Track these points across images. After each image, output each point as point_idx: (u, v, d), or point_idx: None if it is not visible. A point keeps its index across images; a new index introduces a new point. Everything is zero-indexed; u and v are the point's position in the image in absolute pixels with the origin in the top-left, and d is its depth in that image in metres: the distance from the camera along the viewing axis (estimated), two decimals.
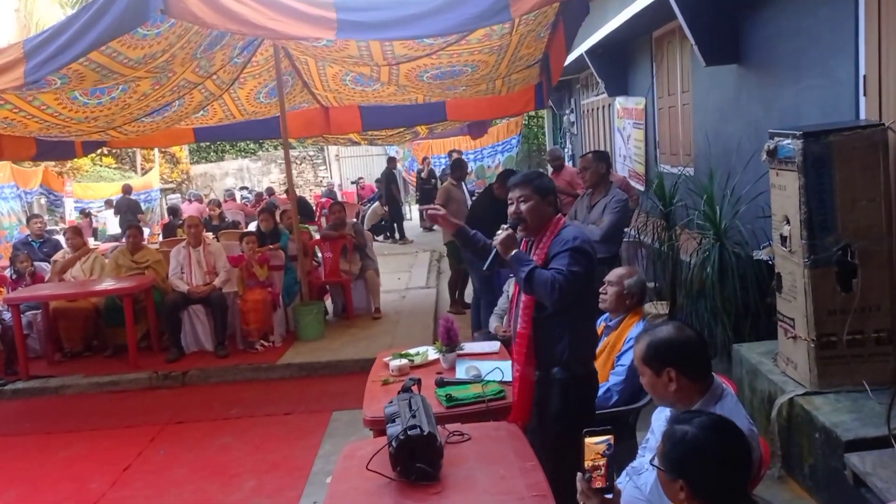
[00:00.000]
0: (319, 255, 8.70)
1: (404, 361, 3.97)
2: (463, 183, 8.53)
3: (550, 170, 9.31)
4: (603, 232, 5.33)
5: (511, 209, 3.11)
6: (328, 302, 8.58)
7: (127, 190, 15.22)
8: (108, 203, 15.29)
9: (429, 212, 3.35)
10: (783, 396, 3.83)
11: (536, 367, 3.05)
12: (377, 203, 15.94)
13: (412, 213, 17.91)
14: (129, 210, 14.48)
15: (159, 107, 7.18)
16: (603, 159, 5.71)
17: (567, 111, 15.01)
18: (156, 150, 18.94)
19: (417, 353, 4.12)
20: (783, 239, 3.88)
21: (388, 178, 15.60)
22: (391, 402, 2.85)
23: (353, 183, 20.40)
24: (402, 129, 10.58)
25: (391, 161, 16.48)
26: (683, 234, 5.84)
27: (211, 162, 24.42)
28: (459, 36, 5.30)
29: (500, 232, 3.01)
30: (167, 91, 6.64)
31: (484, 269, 3.09)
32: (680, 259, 5.73)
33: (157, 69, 5.72)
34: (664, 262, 5.88)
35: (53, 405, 6.45)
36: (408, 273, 11.05)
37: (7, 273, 7.98)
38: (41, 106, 5.95)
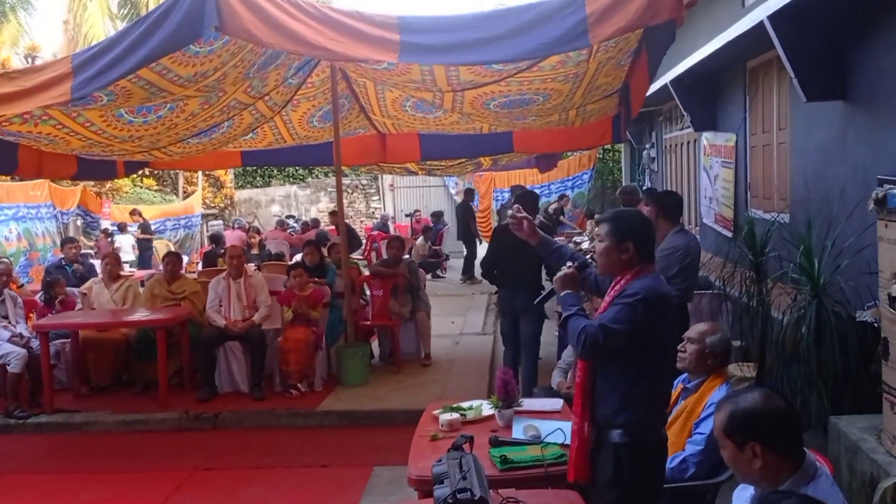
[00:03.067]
0: (368, 292, 8.79)
1: (456, 416, 3.97)
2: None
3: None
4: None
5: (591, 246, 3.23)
6: (374, 344, 8.63)
7: (137, 213, 15.71)
8: (121, 227, 15.70)
9: (510, 211, 3.48)
10: (888, 480, 3.69)
11: (592, 423, 3.07)
12: (421, 238, 16.03)
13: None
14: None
15: (207, 127, 7.44)
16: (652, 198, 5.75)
17: (647, 145, 14.92)
18: (199, 172, 19.52)
19: (470, 408, 4.12)
20: (892, 299, 3.77)
21: (466, 212, 15.73)
22: (440, 460, 2.85)
23: (407, 216, 20.64)
24: (463, 160, 10.71)
25: (468, 193, 16.64)
26: (776, 289, 5.72)
27: (257, 187, 25.00)
28: (531, 62, 5.36)
29: (564, 268, 3.17)
30: (216, 111, 6.89)
31: (535, 302, 3.26)
32: (771, 316, 5.61)
33: (208, 88, 5.94)
34: (752, 318, 5.77)
35: (77, 442, 6.62)
36: (462, 317, 11.07)
37: (38, 298, 8.27)
38: (85, 123, 6.23)
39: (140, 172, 17.07)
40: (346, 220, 22.07)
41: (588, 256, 3.39)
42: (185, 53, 4.98)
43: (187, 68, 5.23)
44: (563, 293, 3.12)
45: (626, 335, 2.94)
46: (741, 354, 6.07)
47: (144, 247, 14.94)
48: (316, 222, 18.01)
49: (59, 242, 12.85)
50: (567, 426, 3.53)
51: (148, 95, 5.53)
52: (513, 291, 6.53)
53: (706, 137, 10.05)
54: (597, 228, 3.19)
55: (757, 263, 5.93)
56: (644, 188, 14.93)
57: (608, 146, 19.18)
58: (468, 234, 15.66)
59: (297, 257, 9.53)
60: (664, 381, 3.16)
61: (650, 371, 3.04)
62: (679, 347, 3.75)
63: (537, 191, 16.89)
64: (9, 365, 6.89)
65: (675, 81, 9.40)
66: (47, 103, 4.82)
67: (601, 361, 3.04)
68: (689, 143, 11.70)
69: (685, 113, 10.01)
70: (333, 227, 15.13)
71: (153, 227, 16.95)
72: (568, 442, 3.40)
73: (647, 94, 7.60)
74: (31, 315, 8.10)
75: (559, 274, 3.17)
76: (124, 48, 4.59)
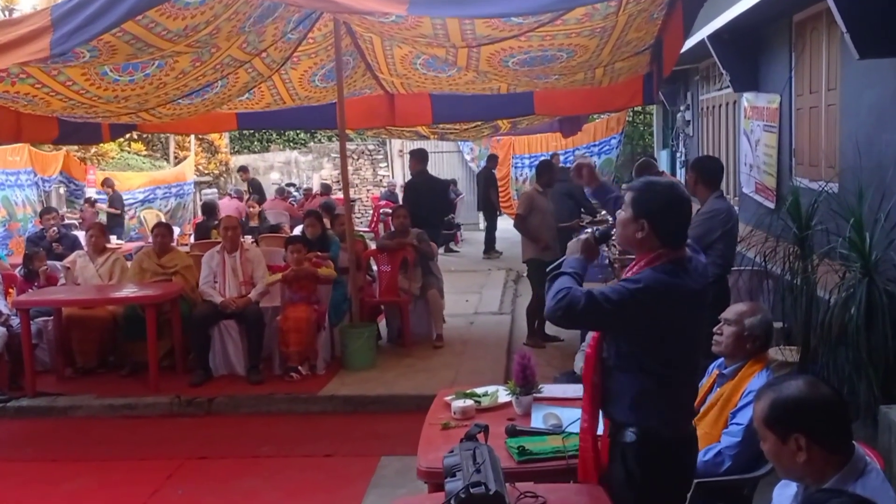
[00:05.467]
0: (375, 268, 8.79)
1: (469, 403, 3.97)
2: (549, 189, 8.53)
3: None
4: None
5: None
6: (382, 324, 8.66)
7: (110, 184, 15.56)
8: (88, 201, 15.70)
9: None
10: None
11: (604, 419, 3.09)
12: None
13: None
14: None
15: (199, 87, 7.40)
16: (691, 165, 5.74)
17: (681, 107, 14.83)
18: (192, 136, 19.51)
19: (486, 394, 4.12)
20: None
21: (488, 181, 15.65)
22: (452, 451, 2.84)
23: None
24: (479, 123, 10.64)
25: (491, 160, 16.55)
26: (822, 266, 5.68)
27: (254, 153, 25.01)
28: (554, 15, 5.29)
29: (585, 233, 3.18)
30: (209, 69, 6.85)
31: (547, 269, 3.15)
32: (816, 296, 5.57)
33: (199, 43, 5.90)
34: (796, 298, 5.73)
35: (60, 428, 6.68)
36: (478, 294, 11.08)
37: (18, 272, 8.31)
38: (66, 81, 6.20)
39: (127, 136, 17.05)
40: (352, 189, 22.09)
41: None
42: (175, 5, 4.93)
43: (177, 21, 5.19)
44: (571, 256, 3.08)
45: (607, 314, 2.88)
46: (783, 337, 6.04)
47: (114, 223, 14.59)
48: (327, 188, 17.93)
49: (39, 212, 12.89)
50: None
51: (134, 52, 5.49)
52: None
53: (747, 99, 9.96)
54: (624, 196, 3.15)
55: (802, 238, 5.87)
56: (681, 160, 14.88)
57: (638, 108, 19.05)
58: (489, 206, 15.60)
59: (298, 229, 9.54)
60: (682, 375, 3.06)
61: (658, 366, 2.98)
62: (714, 329, 3.73)
63: (560, 157, 16.80)
64: None
65: (713, 37, 9.30)
66: (24, 60, 4.79)
67: (611, 357, 3.01)
68: (727, 104, 11.63)
69: (724, 72, 9.93)
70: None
71: (141, 196, 16.97)
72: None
73: (682, 51, 7.51)
74: (10, 291, 8.14)
75: (576, 237, 3.16)
76: None
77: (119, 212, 15.03)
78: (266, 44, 6.95)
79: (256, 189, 16.66)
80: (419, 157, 10.41)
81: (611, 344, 3.02)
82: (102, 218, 14.37)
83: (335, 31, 7.29)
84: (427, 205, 9.52)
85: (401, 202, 11.85)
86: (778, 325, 5.85)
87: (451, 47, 6.44)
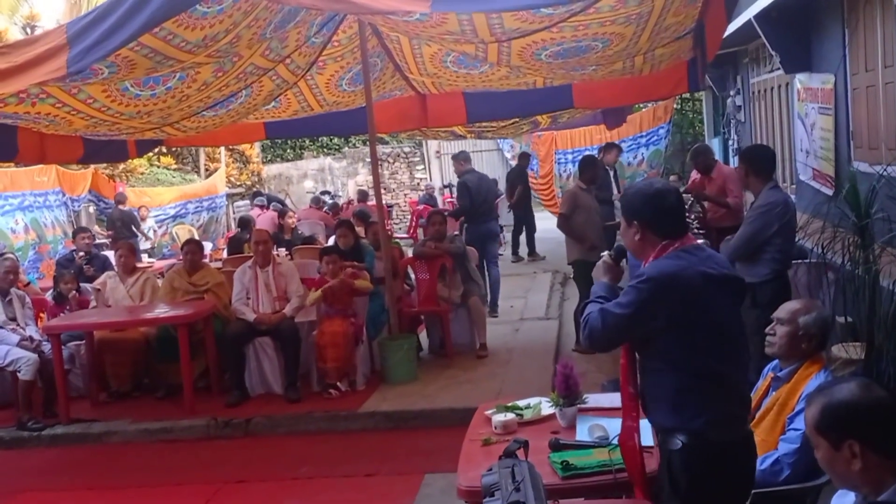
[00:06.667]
0: (413, 277, 8.81)
1: (511, 416, 3.97)
2: (594, 186, 8.50)
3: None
4: (731, 250, 5.36)
5: None
6: (422, 335, 8.68)
7: (120, 199, 15.64)
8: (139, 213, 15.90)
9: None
10: None
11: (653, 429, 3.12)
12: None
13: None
14: (122, 225, 14.88)
15: (223, 98, 7.50)
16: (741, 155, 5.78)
17: (731, 92, 14.66)
18: (222, 148, 19.77)
19: (528, 407, 4.11)
20: None
21: (520, 179, 15.54)
22: (490, 469, 2.84)
23: (444, 187, 20.62)
24: (517, 120, 10.64)
25: (524, 157, 16.48)
26: (885, 255, 5.57)
27: (287, 160, 25.23)
28: (585, 3, 5.27)
29: (605, 256, 3.31)
30: (232, 79, 6.94)
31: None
32: (879, 287, 5.46)
33: (220, 53, 5.99)
34: (857, 290, 5.62)
35: (96, 455, 6.81)
36: (523, 299, 11.05)
37: (49, 296, 8.48)
38: (87, 99, 6.32)
39: (156, 151, 17.33)
40: (388, 195, 22.15)
41: None
42: (192, 15, 5.00)
43: (195, 32, 5.27)
44: (596, 283, 3.26)
45: (626, 320, 2.95)
46: (849, 332, 5.92)
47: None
48: (364, 196, 17.96)
49: (70, 233, 13.11)
50: (644, 425, 3.49)
51: (153, 65, 5.58)
52: None
53: (800, 80, 9.82)
54: None
55: (862, 226, 5.76)
56: (734, 147, 14.70)
57: (686, 95, 18.84)
58: (524, 205, 15.46)
59: (332, 240, 9.58)
60: (723, 369, 3.03)
61: (694, 361, 2.96)
62: (767, 330, 3.69)
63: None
64: (19, 372, 7.09)
65: (760, 16, 9.19)
66: (42, 79, 4.90)
67: (643, 361, 3.07)
68: (779, 87, 11.47)
69: (774, 53, 9.79)
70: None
71: (172, 211, 17.21)
72: (645, 443, 3.35)
73: (728, 31, 7.41)
74: (41, 315, 8.32)
75: (599, 262, 3.31)
76: (123, 13, 4.62)
77: (111, 233, 14.82)
78: (289, 49, 7.01)
79: (276, 201, 16.65)
80: (465, 158, 10.56)
81: (641, 346, 3.05)
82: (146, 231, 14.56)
83: (360, 32, 7.33)
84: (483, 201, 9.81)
85: (456, 201, 11.97)
86: (841, 319, 5.76)
87: (481, 43, 6.44)
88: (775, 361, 3.73)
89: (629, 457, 3.10)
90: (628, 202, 3.16)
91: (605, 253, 3.31)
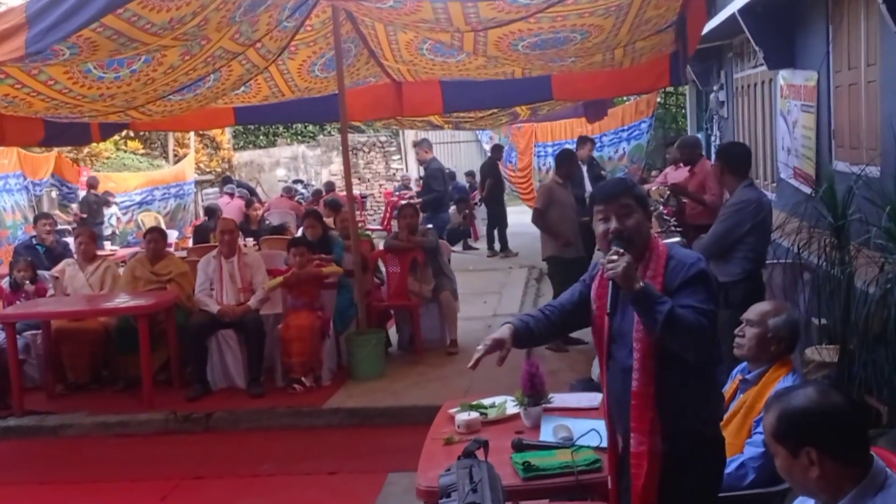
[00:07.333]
0: (383, 270, 8.81)
1: (475, 415, 3.98)
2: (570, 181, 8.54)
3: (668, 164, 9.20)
4: (703, 248, 5.42)
5: (605, 227, 3.00)
6: (392, 331, 8.69)
7: (93, 183, 15.59)
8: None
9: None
10: None
11: (663, 436, 2.95)
12: (452, 208, 15.90)
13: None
14: (98, 209, 14.89)
15: (190, 82, 7.44)
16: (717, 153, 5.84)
17: (715, 87, 14.74)
18: (191, 133, 19.64)
19: (493, 405, 4.13)
20: None
21: (492, 172, 15.48)
22: (448, 469, 2.85)
23: (421, 178, 20.61)
24: (495, 111, 10.64)
25: (497, 150, 16.49)
26: (861, 257, 5.62)
27: (260, 147, 25.10)
28: None
29: (611, 255, 2.84)
30: (200, 63, 6.89)
31: (607, 313, 2.98)
32: (854, 289, 5.52)
33: (187, 36, 5.94)
34: (832, 292, 5.68)
35: (50, 448, 6.76)
36: (497, 295, 11.07)
37: (4, 283, 8.41)
38: (48, 81, 6.26)
39: (123, 135, 17.22)
40: (363, 185, 22.10)
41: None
42: None
43: (161, 14, 5.21)
44: (639, 286, 2.79)
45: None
46: (825, 335, 5.98)
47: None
48: (330, 186, 17.98)
49: (30, 218, 13.00)
50: (603, 426, 3.50)
51: (117, 47, 5.53)
52: None
53: (783, 76, 9.90)
54: (611, 204, 3.02)
55: (838, 227, 5.82)
56: (716, 143, 14.77)
57: (669, 90, 18.92)
58: (495, 199, 15.45)
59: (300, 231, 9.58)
60: (716, 369, 3.11)
61: (714, 360, 3.02)
62: (736, 332, 3.72)
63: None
64: None
65: (744, 10, 9.25)
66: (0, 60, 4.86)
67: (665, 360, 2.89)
68: (763, 83, 11.56)
69: (757, 48, 9.85)
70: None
71: (138, 198, 17.11)
72: (605, 445, 3.36)
73: (712, 25, 7.45)
74: None
75: (615, 266, 2.79)
76: None
77: (84, 216, 14.75)
78: (260, 34, 6.97)
79: (245, 188, 16.55)
80: (429, 146, 10.59)
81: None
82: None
83: (334, 17, 7.31)
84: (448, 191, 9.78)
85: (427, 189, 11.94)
86: (816, 321, 5.82)
87: (456, 32, 6.45)
88: (744, 364, 3.76)
89: (652, 466, 2.93)
90: (642, 193, 3.14)
91: (616, 249, 2.86)
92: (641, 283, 2.79)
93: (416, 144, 11.39)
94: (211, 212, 13.21)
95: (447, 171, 11.67)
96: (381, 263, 8.88)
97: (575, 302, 3.31)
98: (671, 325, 2.74)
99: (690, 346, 2.80)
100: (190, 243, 12.76)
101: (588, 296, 3.21)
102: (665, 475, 2.93)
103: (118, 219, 15.99)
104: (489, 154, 18.46)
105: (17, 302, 8.06)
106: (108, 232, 15.03)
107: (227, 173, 22.03)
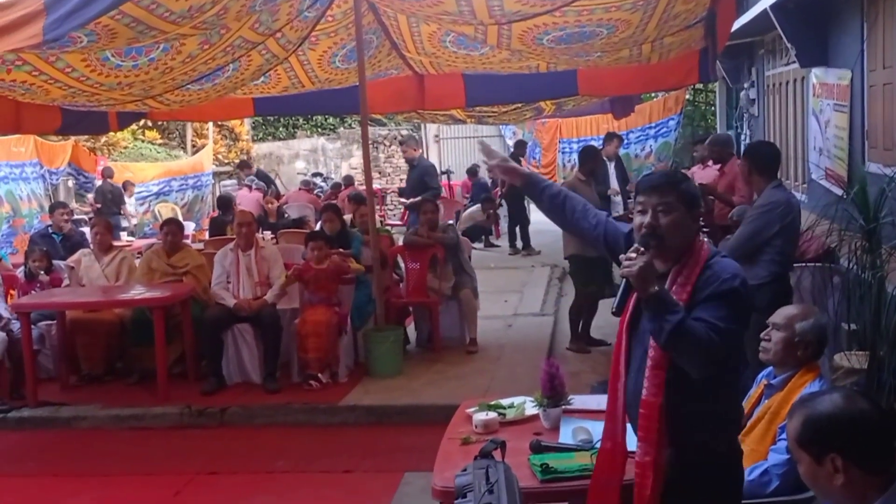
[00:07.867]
0: (402, 266, 8.83)
1: (493, 415, 3.98)
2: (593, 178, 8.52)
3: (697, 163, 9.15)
4: (729, 250, 5.36)
5: (640, 220, 2.88)
6: (410, 328, 8.70)
7: (109, 174, 15.67)
8: (124, 187, 15.89)
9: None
10: None
11: (671, 448, 2.87)
12: (477, 206, 15.88)
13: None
14: (112, 199, 14.93)
15: (209, 71, 7.50)
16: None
17: (745, 85, 14.67)
18: (210, 124, 19.72)
19: (512, 406, 4.12)
20: None
21: None
22: (464, 469, 2.87)
23: (442, 173, 20.57)
24: (519, 105, 10.64)
25: (519, 146, 16.45)
26: (893, 260, 5.58)
27: (279, 139, 25.15)
28: None
29: (630, 254, 2.74)
30: (218, 52, 6.94)
31: (613, 311, 2.92)
32: (885, 294, 5.47)
33: (206, 25, 5.98)
34: (863, 297, 5.63)
35: (63, 440, 6.81)
36: (518, 294, 11.07)
37: (19, 273, 8.48)
38: (65, 68, 6.32)
39: (141, 124, 17.30)
40: (384, 179, 22.10)
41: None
42: None
43: (180, 2, 5.27)
44: (653, 291, 2.66)
45: (739, 337, 2.83)
46: (853, 340, 5.94)
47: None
48: (349, 180, 17.99)
49: (46, 207, 13.09)
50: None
51: (135, 35, 5.58)
52: None
53: (816, 75, 9.84)
54: (650, 197, 2.87)
55: (870, 230, 5.77)
56: (746, 143, 14.68)
57: (698, 86, 18.82)
58: (515, 196, 15.40)
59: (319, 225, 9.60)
60: (738, 377, 3.09)
61: (734, 369, 2.96)
62: (762, 335, 3.70)
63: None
64: None
65: (776, 6, 9.21)
66: (16, 46, 4.90)
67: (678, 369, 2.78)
68: (795, 81, 11.49)
69: (790, 45, 9.80)
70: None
71: (156, 188, 17.21)
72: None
73: (744, 21, 7.41)
74: (11, 293, 8.29)
75: (631, 265, 2.68)
76: None
77: (99, 206, 14.81)
78: (280, 23, 7.01)
79: (264, 179, 16.57)
80: (416, 143, 10.67)
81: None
82: (128, 209, 14.56)
83: (355, 7, 7.33)
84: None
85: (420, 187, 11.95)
86: (845, 326, 5.78)
87: (480, 24, 6.46)
88: (769, 368, 3.74)
89: (657, 478, 2.84)
90: (690, 190, 2.95)
91: (636, 247, 2.77)
92: (655, 288, 2.67)
93: (402, 143, 11.37)
94: (224, 203, 13.11)
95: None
96: (400, 259, 8.89)
97: (602, 224, 3.24)
98: (678, 337, 2.63)
99: (694, 361, 2.69)
100: (206, 235, 12.80)
101: (614, 243, 3.16)
102: (672, 487, 2.85)
103: (136, 209, 16.13)
104: (512, 150, 18.47)
105: (32, 292, 8.13)
106: (125, 224, 15.13)
107: (245, 158, 22.06)
